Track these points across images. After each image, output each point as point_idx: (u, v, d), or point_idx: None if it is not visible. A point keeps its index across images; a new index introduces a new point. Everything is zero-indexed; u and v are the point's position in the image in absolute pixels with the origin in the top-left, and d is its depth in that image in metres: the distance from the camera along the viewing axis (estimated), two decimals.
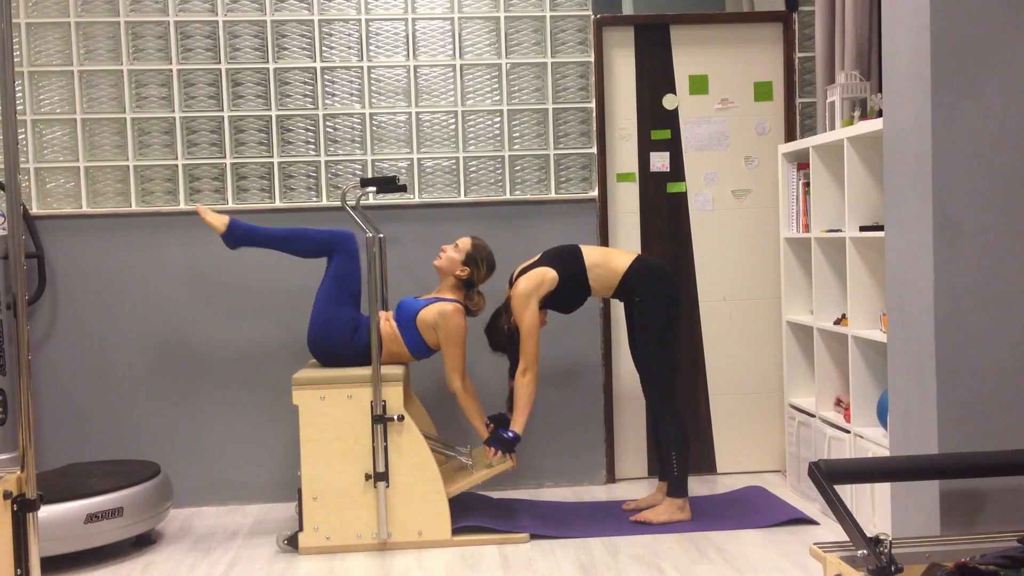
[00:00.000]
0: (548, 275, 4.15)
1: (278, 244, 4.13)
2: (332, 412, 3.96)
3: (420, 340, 4.15)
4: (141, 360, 4.70)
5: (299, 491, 3.98)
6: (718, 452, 5.03)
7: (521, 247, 4.80)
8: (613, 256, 4.24)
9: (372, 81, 4.75)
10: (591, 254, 4.23)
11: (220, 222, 4.10)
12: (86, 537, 3.80)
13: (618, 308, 4.92)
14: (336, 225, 4.70)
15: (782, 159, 4.69)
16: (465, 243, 4.20)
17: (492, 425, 4.22)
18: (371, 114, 4.76)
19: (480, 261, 4.19)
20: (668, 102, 4.96)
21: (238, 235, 4.12)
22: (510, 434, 4.10)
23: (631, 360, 4.88)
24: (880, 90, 4.22)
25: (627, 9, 4.90)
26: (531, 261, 4.26)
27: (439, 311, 4.09)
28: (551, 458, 4.85)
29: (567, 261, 4.19)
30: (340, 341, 4.07)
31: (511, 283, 4.25)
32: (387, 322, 4.18)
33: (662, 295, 4.16)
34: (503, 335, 4.26)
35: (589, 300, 4.47)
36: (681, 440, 4.18)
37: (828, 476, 2.15)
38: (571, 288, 4.20)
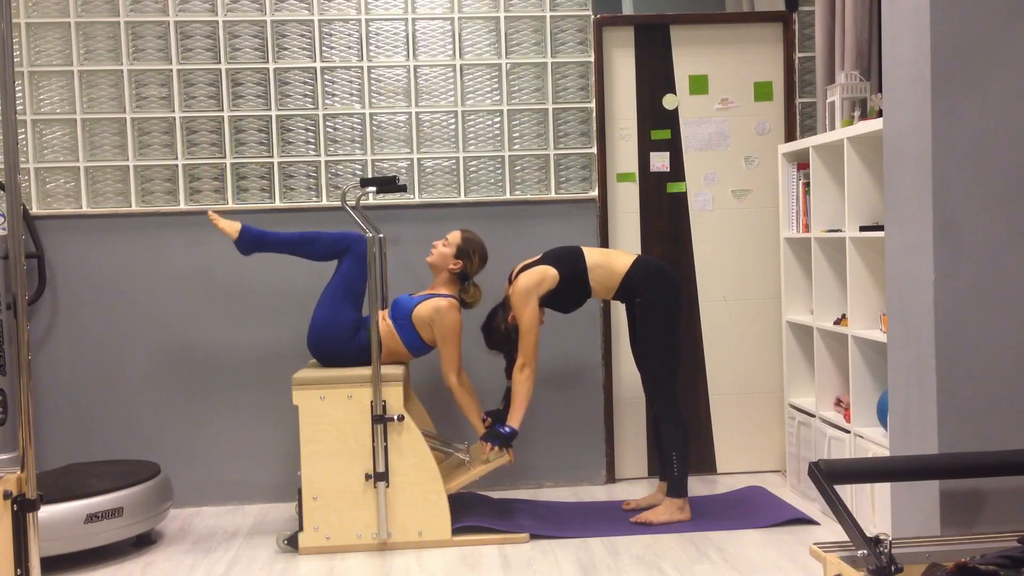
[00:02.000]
0: (549, 273, 4.14)
1: (290, 248, 4.13)
2: (332, 412, 3.96)
3: (417, 337, 4.15)
4: (141, 360, 4.70)
5: (299, 491, 3.98)
6: (718, 452, 5.02)
7: (521, 247, 4.80)
8: (614, 257, 4.24)
9: (372, 81, 4.75)
10: (592, 255, 4.22)
11: (232, 228, 4.09)
12: (86, 537, 3.80)
13: (618, 308, 4.92)
14: (336, 225, 4.70)
15: (782, 159, 4.69)
16: (455, 236, 4.21)
17: (489, 420, 4.22)
18: (371, 114, 4.76)
19: (472, 253, 4.19)
20: (668, 102, 4.96)
21: (250, 240, 4.11)
22: (507, 429, 4.09)
23: (631, 360, 4.88)
24: (880, 90, 4.22)
25: (627, 9, 4.90)
26: (532, 260, 4.26)
27: (434, 307, 4.09)
28: (551, 458, 4.84)
29: (568, 261, 4.19)
30: (340, 341, 4.07)
31: (510, 280, 4.25)
32: (384, 321, 4.19)
33: (664, 296, 4.16)
34: (500, 334, 4.25)
35: (589, 301, 4.47)
36: (682, 440, 4.18)
37: (828, 476, 2.16)
38: (571, 288, 4.19)
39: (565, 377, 4.82)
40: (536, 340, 4.10)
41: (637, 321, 4.22)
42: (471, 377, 4.34)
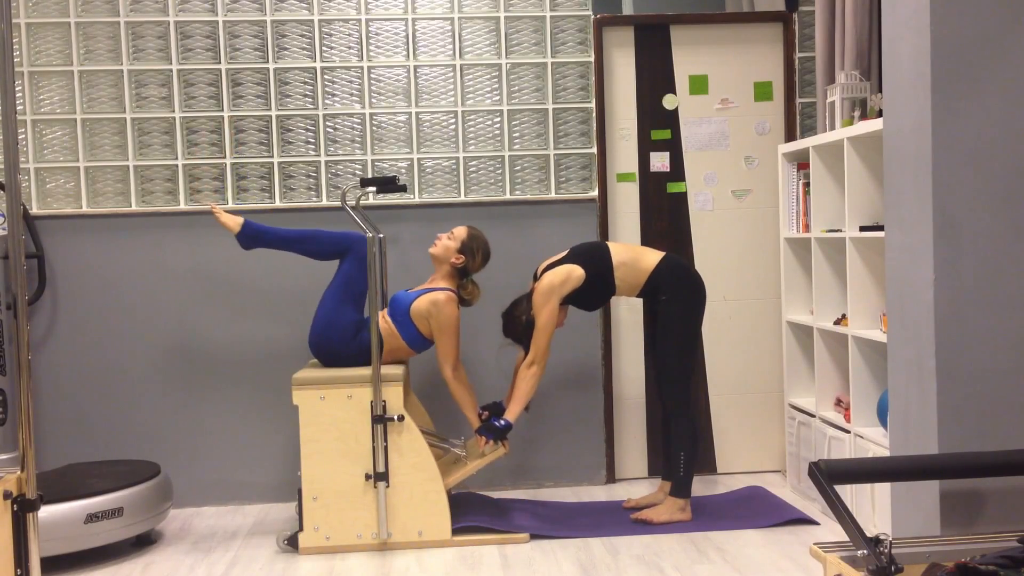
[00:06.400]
0: (575, 272, 4.12)
1: (291, 246, 4.14)
2: (332, 412, 3.96)
3: (416, 332, 4.15)
4: (141, 360, 4.70)
5: (299, 491, 3.98)
6: (718, 452, 5.02)
7: (521, 247, 4.80)
8: (641, 254, 4.22)
9: (372, 81, 4.75)
10: (619, 252, 4.19)
11: (235, 223, 4.10)
12: (86, 537, 3.80)
13: (619, 308, 4.92)
14: (337, 225, 4.70)
15: (782, 159, 4.69)
16: (461, 232, 4.21)
17: (486, 413, 4.22)
18: (371, 114, 4.76)
19: (476, 250, 4.19)
20: (668, 102, 4.96)
21: (252, 235, 4.12)
22: (501, 423, 4.08)
23: (632, 360, 4.88)
24: (880, 90, 4.22)
25: (627, 9, 4.90)
26: (558, 257, 4.23)
27: (431, 300, 4.10)
28: (551, 458, 4.84)
29: (595, 259, 4.16)
30: (341, 342, 4.07)
31: (536, 277, 4.23)
32: (384, 321, 4.19)
33: (688, 295, 4.15)
34: (518, 324, 4.22)
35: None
36: (691, 441, 4.17)
37: (828, 476, 2.16)
38: (596, 287, 4.17)
39: (566, 377, 4.83)
40: (549, 340, 4.08)
41: (658, 319, 4.20)
42: (469, 373, 4.33)
